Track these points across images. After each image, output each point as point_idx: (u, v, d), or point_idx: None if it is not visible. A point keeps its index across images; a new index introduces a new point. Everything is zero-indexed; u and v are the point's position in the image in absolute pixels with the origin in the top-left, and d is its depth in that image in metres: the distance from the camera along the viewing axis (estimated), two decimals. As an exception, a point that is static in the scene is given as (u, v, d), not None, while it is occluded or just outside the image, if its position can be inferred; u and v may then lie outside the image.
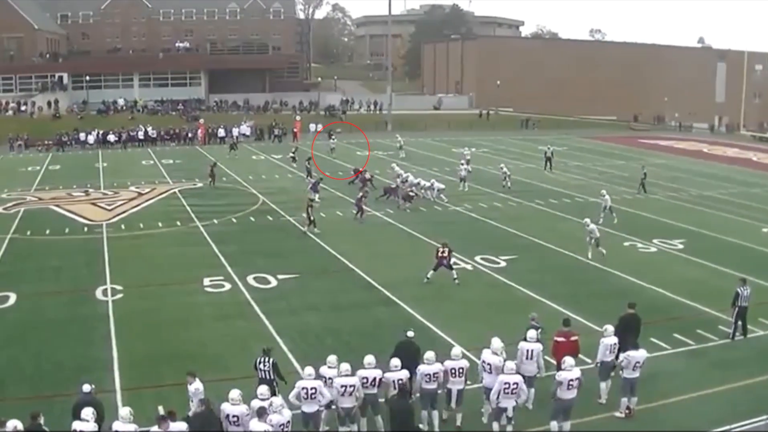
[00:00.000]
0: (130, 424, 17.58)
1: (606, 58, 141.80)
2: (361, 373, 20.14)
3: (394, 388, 19.89)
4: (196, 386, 19.47)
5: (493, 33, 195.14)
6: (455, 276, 34.66)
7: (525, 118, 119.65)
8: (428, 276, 34.66)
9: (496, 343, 21.29)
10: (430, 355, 20.66)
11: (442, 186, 55.51)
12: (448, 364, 20.78)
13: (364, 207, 48.58)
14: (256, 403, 18.35)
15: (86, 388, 19.33)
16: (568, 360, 20.44)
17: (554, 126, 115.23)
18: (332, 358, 20.56)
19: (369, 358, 20.46)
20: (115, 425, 17.60)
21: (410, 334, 21.86)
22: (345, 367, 19.91)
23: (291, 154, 74.02)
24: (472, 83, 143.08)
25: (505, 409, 19.90)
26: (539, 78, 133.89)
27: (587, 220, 39.97)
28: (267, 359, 21.20)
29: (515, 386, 19.80)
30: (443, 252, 34.59)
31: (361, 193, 49.68)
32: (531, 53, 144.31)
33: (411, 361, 20.77)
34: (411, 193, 53.03)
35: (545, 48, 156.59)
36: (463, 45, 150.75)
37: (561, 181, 64.52)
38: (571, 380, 20.04)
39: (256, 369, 21.30)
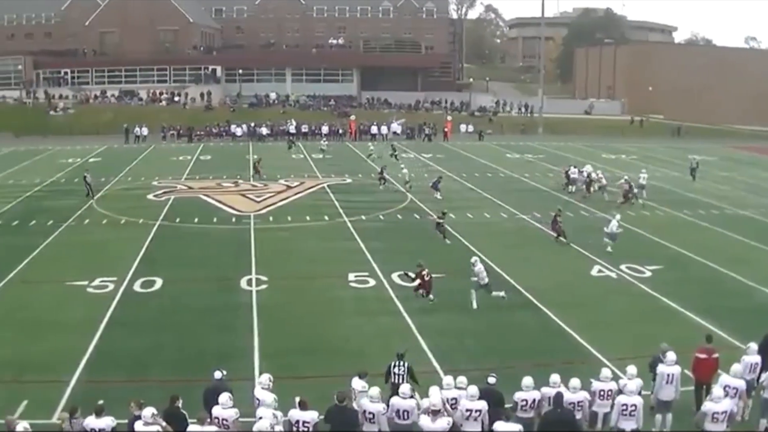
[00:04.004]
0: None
1: (761, 66, 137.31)
2: (519, 395, 19.17)
3: (549, 404, 18.91)
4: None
5: (645, 38, 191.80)
6: (432, 298, 31.85)
7: (676, 126, 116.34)
8: (429, 298, 32.06)
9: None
10: (528, 381, 19.30)
11: (604, 182, 55.82)
12: (597, 385, 19.78)
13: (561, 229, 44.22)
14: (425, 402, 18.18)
15: (218, 374, 19.58)
16: (716, 391, 19.20)
17: (706, 135, 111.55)
18: (462, 379, 19.50)
19: (527, 380, 19.26)
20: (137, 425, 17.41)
21: (491, 380, 19.91)
22: (473, 390, 18.75)
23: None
24: (624, 88, 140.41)
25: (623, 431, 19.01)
26: (692, 85, 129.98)
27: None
28: (402, 363, 20.85)
29: (633, 408, 18.86)
30: (426, 275, 31.73)
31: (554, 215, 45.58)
32: (684, 59, 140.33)
33: (492, 409, 19.01)
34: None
35: (698, 54, 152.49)
36: (615, 49, 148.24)
37: (709, 191, 61.98)
38: (716, 413, 18.72)
39: (389, 374, 20.90)
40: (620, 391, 19.62)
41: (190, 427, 17.32)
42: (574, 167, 60.92)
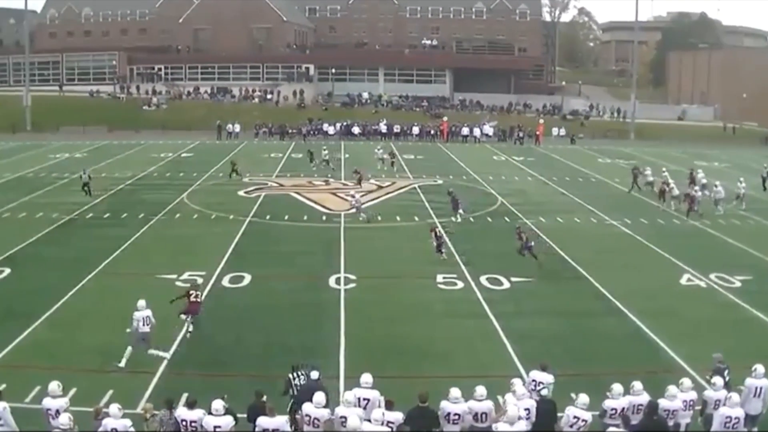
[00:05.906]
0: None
1: None
2: (608, 403, 18.57)
3: (633, 413, 18.43)
4: None
5: (740, 43, 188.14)
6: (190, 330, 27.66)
7: (766, 134, 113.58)
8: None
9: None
10: (618, 389, 18.85)
11: (676, 192, 53.82)
12: (679, 395, 19.12)
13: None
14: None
15: (315, 374, 19.38)
16: None
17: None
18: (519, 386, 19.03)
19: (617, 388, 18.80)
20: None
21: (545, 392, 19.32)
22: (584, 399, 18.30)
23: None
24: (718, 95, 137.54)
25: None
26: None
27: None
28: (300, 374, 19.91)
29: (737, 421, 18.28)
30: (194, 296, 27.42)
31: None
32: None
33: (547, 426, 18.70)
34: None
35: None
36: (710, 54, 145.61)
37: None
38: None
39: (290, 386, 19.72)
40: (704, 401, 19.40)
41: (259, 419, 17.29)
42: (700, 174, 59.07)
